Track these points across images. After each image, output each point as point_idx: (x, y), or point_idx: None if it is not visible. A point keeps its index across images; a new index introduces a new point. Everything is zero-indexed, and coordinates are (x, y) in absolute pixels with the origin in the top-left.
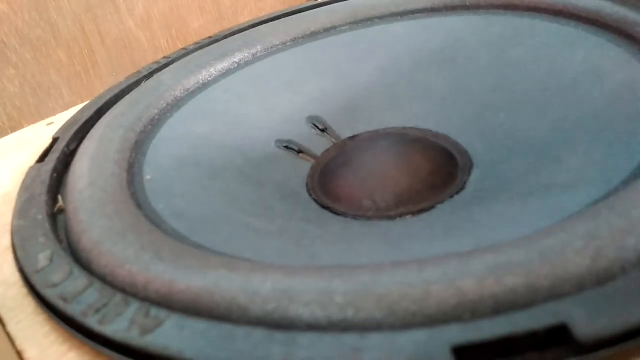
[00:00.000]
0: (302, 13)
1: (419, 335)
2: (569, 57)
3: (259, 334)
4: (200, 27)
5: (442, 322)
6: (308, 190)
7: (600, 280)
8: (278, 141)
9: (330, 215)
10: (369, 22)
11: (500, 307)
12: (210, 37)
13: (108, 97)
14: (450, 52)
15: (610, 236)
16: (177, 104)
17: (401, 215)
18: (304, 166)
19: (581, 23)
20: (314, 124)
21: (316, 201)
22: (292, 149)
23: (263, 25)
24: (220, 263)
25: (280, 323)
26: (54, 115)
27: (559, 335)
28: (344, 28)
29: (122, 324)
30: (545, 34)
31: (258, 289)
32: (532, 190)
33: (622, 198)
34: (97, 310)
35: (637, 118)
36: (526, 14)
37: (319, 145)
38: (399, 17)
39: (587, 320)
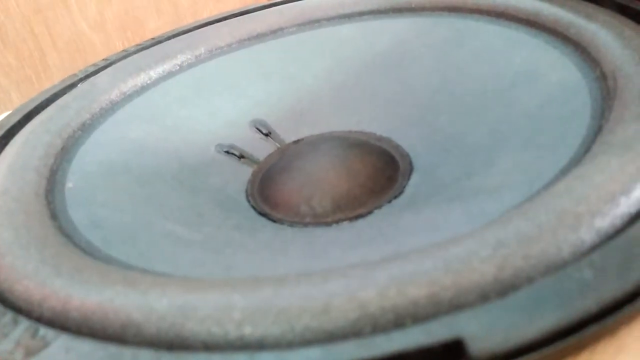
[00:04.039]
0: (249, 14)
1: (312, 353)
2: (508, 59)
3: (146, 355)
4: (157, 28)
5: (342, 337)
6: (247, 197)
7: (505, 290)
8: (219, 146)
9: (265, 222)
10: (316, 24)
11: (402, 320)
12: (152, 38)
13: (38, 101)
14: (395, 55)
15: (518, 243)
16: (112, 108)
17: (338, 222)
18: (245, 171)
19: (522, 25)
20: (257, 128)
21: (254, 208)
22: (233, 153)
23: (208, 27)
24: (120, 278)
25: (176, 342)
26: None
27: (455, 350)
28: (290, 29)
29: (6, 346)
30: (486, 36)
31: (154, 305)
32: (461, 195)
33: (535, 203)
34: None
35: (567, 120)
36: (469, 15)
37: (262, 149)
38: (346, 19)
39: (483, 335)
